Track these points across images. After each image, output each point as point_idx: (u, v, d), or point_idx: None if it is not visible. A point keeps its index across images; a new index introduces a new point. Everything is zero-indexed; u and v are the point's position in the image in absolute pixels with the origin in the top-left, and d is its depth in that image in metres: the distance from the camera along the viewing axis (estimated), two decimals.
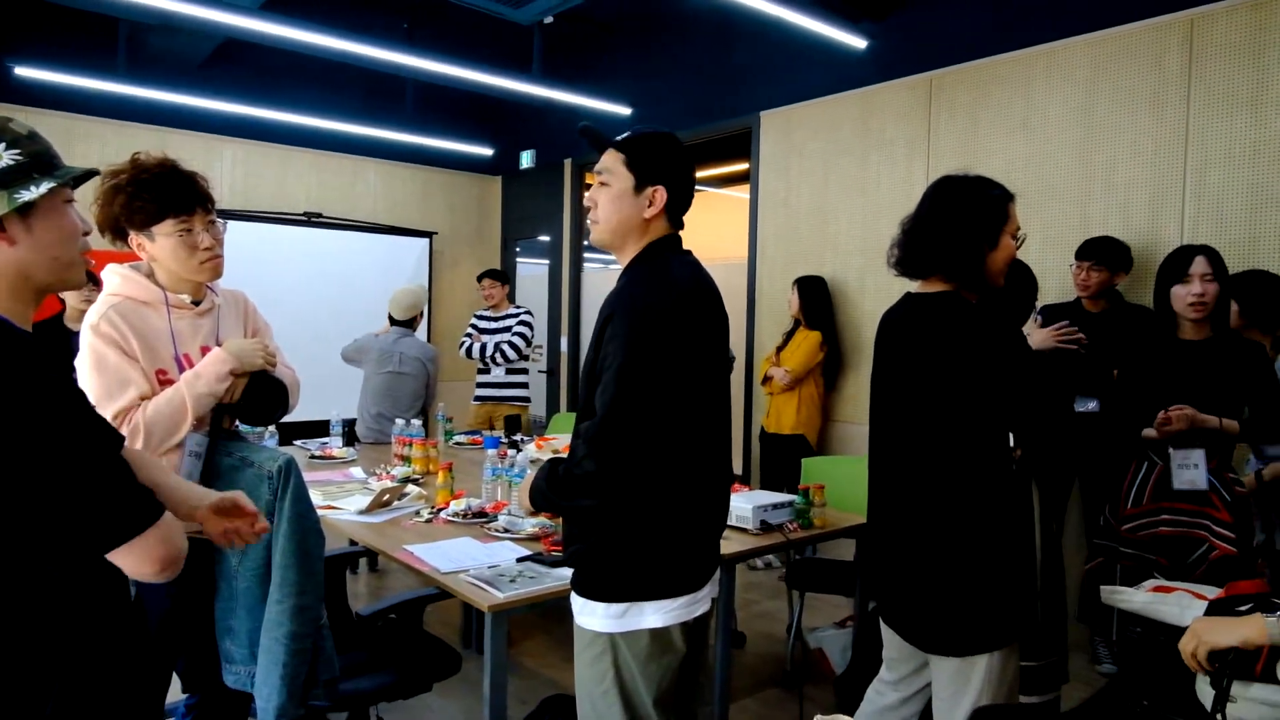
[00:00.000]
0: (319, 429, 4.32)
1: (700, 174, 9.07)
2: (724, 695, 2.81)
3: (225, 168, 6.25)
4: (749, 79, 5.36)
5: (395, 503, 2.92)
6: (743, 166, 5.86)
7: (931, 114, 4.43)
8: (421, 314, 4.69)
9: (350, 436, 4.20)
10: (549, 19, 5.02)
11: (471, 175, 7.57)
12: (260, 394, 1.94)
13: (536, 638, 3.80)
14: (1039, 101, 4.01)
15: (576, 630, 1.71)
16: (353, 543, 2.73)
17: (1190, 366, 2.62)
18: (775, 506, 2.85)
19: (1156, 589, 2.29)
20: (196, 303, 1.95)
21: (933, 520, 1.82)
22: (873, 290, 4.64)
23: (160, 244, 1.86)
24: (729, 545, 2.62)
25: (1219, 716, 1.56)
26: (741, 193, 6.52)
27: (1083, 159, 3.87)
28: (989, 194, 1.85)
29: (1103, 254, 3.44)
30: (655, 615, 1.62)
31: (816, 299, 4.64)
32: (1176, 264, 2.65)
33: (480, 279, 5.48)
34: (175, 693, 1.98)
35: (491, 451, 3.18)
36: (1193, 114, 3.54)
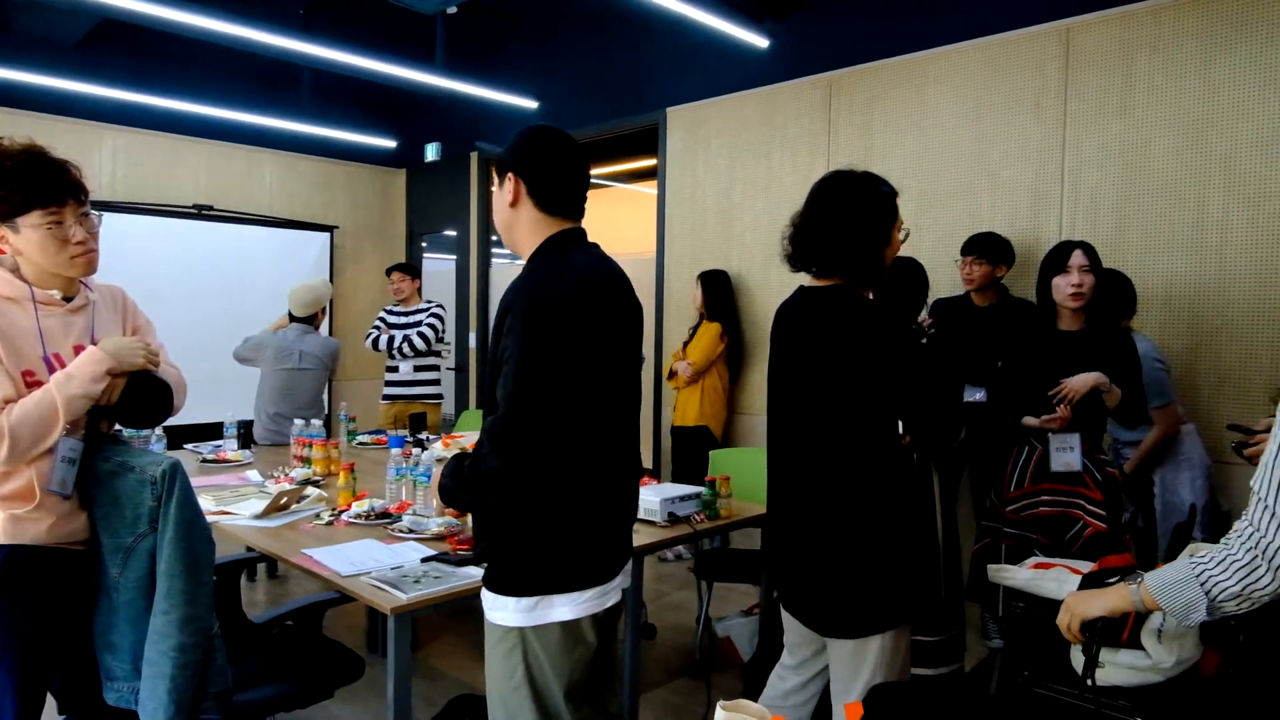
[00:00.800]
0: (213, 432, 4.13)
1: (609, 170, 9.05)
2: (634, 686, 2.83)
3: (105, 156, 5.89)
4: (656, 75, 5.40)
5: (294, 506, 2.82)
6: (651, 162, 5.90)
7: (832, 113, 4.56)
8: (324, 311, 4.55)
9: (246, 439, 4.04)
10: (452, 9, 4.93)
11: (374, 168, 7.38)
12: (141, 395, 1.84)
13: (445, 638, 3.75)
14: (931, 103, 4.18)
15: (487, 626, 1.69)
16: (250, 549, 2.63)
17: (1067, 356, 2.78)
18: (682, 499, 2.89)
19: (1037, 565, 2.43)
20: (68, 299, 1.83)
21: (825, 508, 1.87)
22: (776, 285, 4.75)
23: (26, 237, 1.74)
24: (638, 538, 2.64)
25: (1089, 680, 1.66)
26: (651, 189, 6.56)
27: (971, 159, 4.06)
28: (878, 191, 1.91)
29: (984, 248, 3.62)
30: (565, 608, 1.62)
31: (719, 292, 4.71)
32: (1057, 257, 2.82)
33: (389, 273, 5.35)
34: (50, 714, 1.87)
35: (395, 451, 3.11)
36: (1069, 119, 3.75)
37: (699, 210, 5.22)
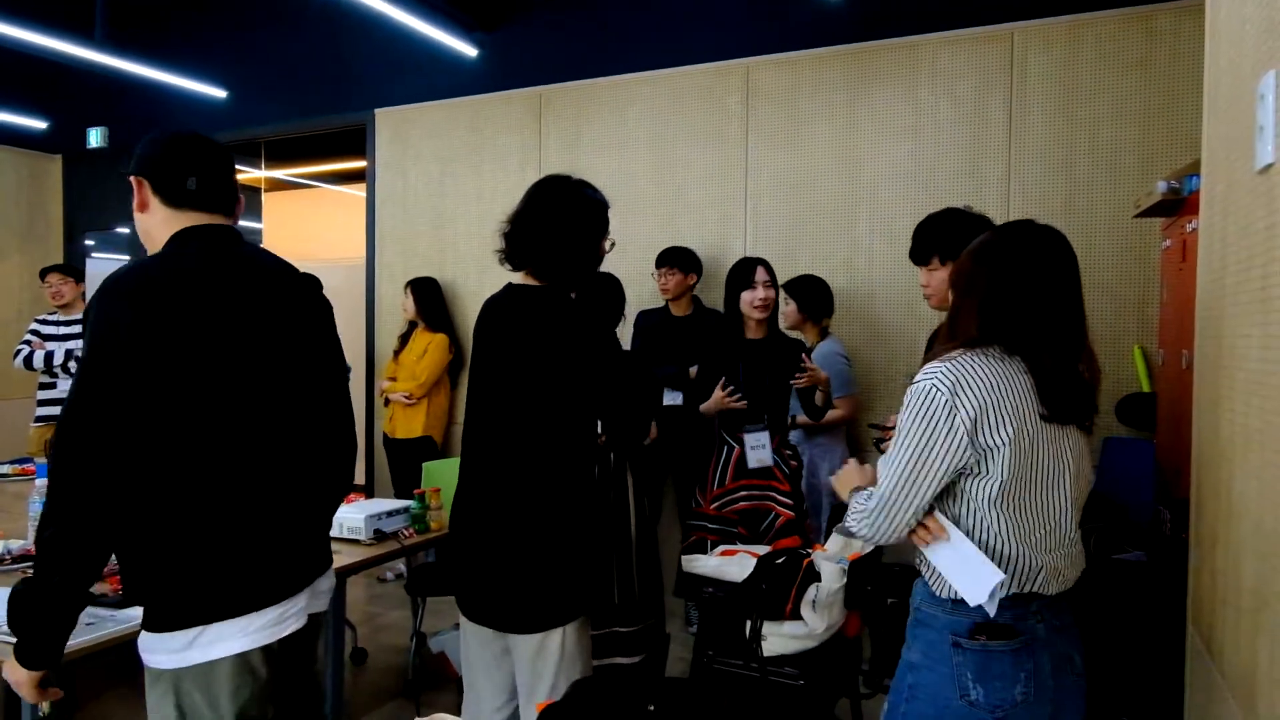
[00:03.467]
0: None
1: (311, 170, 8.52)
2: (338, 717, 2.69)
3: None
4: (363, 74, 5.18)
5: None
6: (359, 164, 5.64)
7: (542, 127, 4.67)
8: None
9: None
10: None
11: (19, 151, 6.28)
12: None
13: (117, 691, 3.28)
14: (632, 125, 4.44)
15: (145, 674, 1.51)
16: None
17: (753, 361, 3.10)
18: (389, 514, 2.80)
19: (724, 553, 2.68)
20: None
21: (516, 504, 1.89)
22: (491, 292, 4.74)
23: None
24: (341, 559, 2.50)
25: (756, 648, 1.86)
26: (358, 190, 6.27)
27: (665, 180, 4.37)
28: (592, 199, 2.00)
29: (675, 259, 3.94)
30: (228, 641, 1.46)
31: (431, 301, 4.62)
32: (743, 272, 3.13)
33: (44, 275, 4.59)
34: None
35: (41, 482, 2.67)
36: (750, 148, 4.18)
37: (411, 216, 5.08)
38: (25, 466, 3.72)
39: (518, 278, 2.03)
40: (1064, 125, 3.61)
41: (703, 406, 3.08)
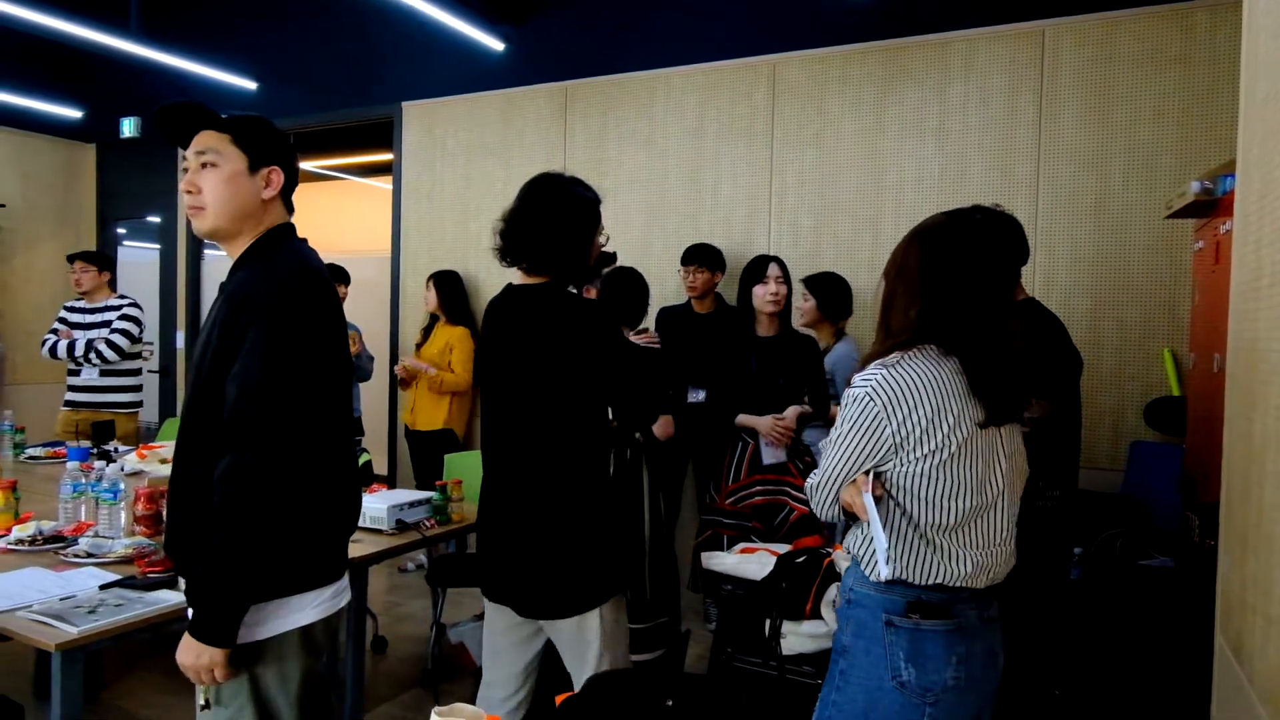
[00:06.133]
0: None
1: (337, 162, 8.59)
2: (357, 704, 2.71)
3: None
4: (390, 68, 5.20)
5: None
6: (383, 157, 5.68)
7: (568, 122, 4.68)
8: None
9: None
10: None
11: (55, 140, 6.38)
12: None
13: (137, 674, 3.34)
14: (659, 120, 4.43)
15: None
16: None
17: (766, 359, 3.09)
18: (411, 504, 2.82)
19: (743, 550, 2.68)
20: None
21: (539, 495, 1.93)
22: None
23: None
24: (363, 548, 2.53)
25: (775, 646, 1.86)
26: (381, 183, 6.31)
27: (693, 176, 4.36)
28: (582, 196, 2.03)
29: (703, 257, 3.91)
30: (298, 613, 1.54)
31: (453, 294, 4.64)
32: (756, 269, 3.13)
33: (71, 261, 4.63)
34: None
35: (73, 465, 2.72)
36: (775, 145, 4.16)
37: (436, 209, 5.11)
38: (57, 450, 3.79)
39: (518, 276, 2.06)
40: (1097, 124, 3.56)
41: (749, 420, 3.06)
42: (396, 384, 5.05)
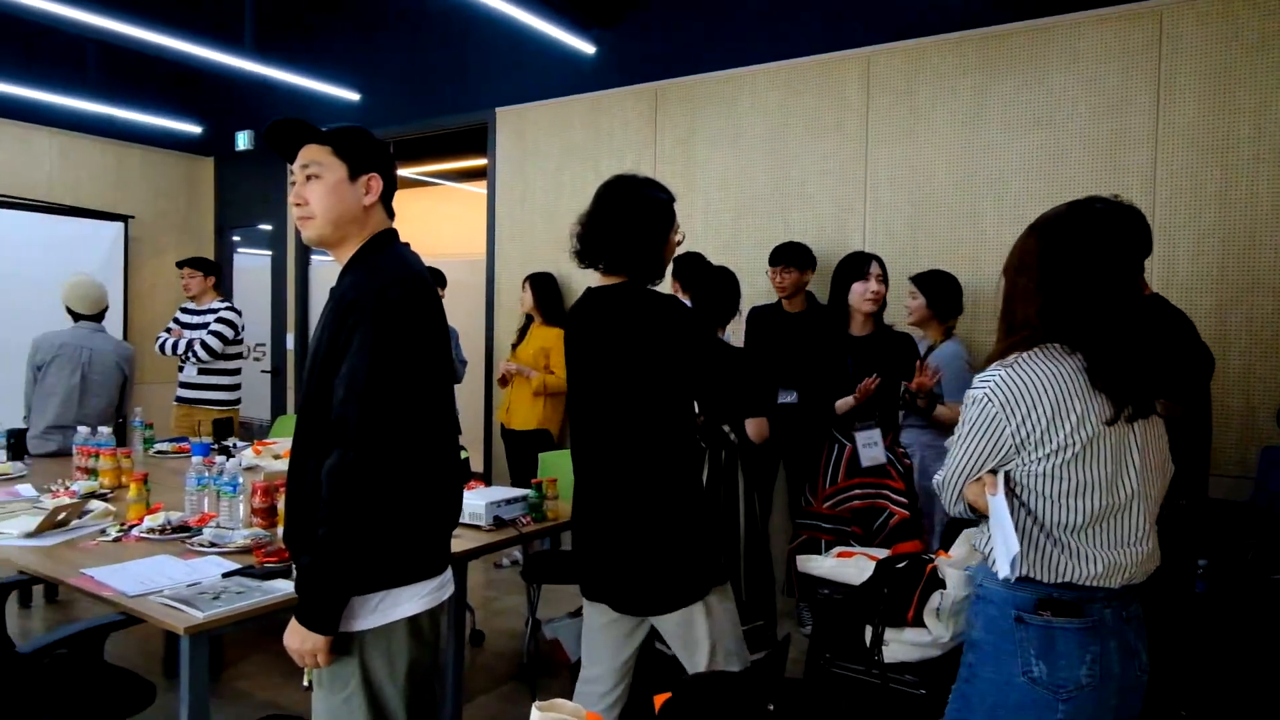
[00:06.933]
0: None
1: (432, 168, 8.82)
2: (457, 695, 2.79)
3: None
4: (483, 74, 5.33)
5: (74, 522, 2.56)
6: (476, 162, 5.82)
7: (657, 123, 4.69)
8: (108, 306, 4.13)
9: (18, 449, 3.61)
10: None
11: (178, 154, 6.80)
12: None
13: (253, 658, 3.52)
14: (745, 119, 4.39)
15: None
16: (23, 572, 2.36)
17: (861, 357, 3.03)
18: (508, 502, 2.88)
19: (841, 554, 2.63)
20: None
21: (635, 493, 1.94)
22: None
23: None
24: (461, 543, 2.60)
25: (876, 656, 1.82)
26: (474, 188, 6.46)
27: (781, 174, 4.30)
28: (656, 196, 2.05)
29: (792, 257, 3.84)
30: (406, 604, 1.59)
31: (549, 295, 4.71)
32: (855, 265, 3.07)
33: (180, 267, 4.94)
34: None
35: (197, 459, 2.89)
36: (870, 140, 4.07)
37: (529, 212, 5.20)
38: (181, 445, 4.03)
39: (597, 279, 2.09)
40: (1220, 108, 3.34)
41: (841, 403, 3.02)
42: (494, 383, 5.17)
